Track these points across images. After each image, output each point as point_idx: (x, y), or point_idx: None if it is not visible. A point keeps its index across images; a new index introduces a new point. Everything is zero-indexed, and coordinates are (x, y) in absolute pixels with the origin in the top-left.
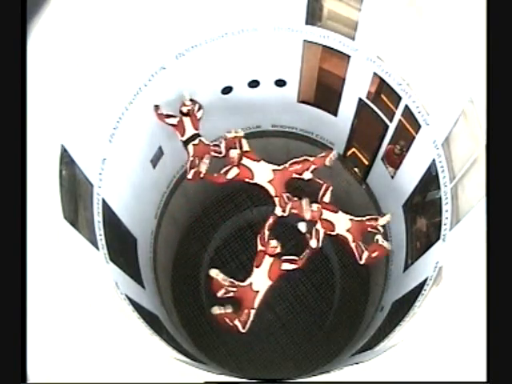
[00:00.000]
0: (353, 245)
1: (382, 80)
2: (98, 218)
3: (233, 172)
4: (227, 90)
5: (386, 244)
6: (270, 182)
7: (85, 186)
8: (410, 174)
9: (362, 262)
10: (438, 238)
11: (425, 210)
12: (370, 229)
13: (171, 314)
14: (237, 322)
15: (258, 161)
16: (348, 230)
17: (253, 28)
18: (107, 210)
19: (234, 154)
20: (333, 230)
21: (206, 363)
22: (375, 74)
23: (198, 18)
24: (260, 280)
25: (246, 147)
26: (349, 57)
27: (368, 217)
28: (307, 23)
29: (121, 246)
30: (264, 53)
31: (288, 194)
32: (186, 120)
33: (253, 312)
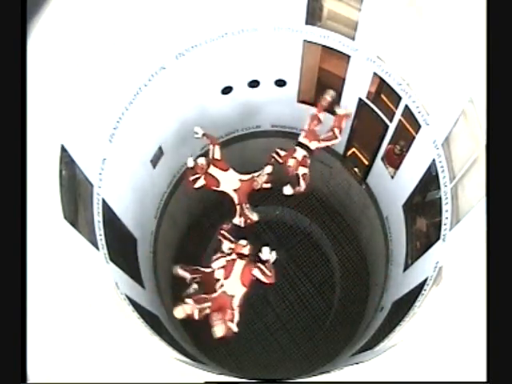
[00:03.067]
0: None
1: (382, 80)
2: (97, 218)
3: (200, 182)
4: (227, 90)
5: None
6: (235, 190)
7: (85, 185)
8: (410, 174)
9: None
10: (438, 238)
11: (425, 210)
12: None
13: (171, 314)
14: (230, 324)
15: (226, 170)
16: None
17: (253, 28)
18: (107, 210)
19: (202, 161)
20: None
21: (205, 363)
22: (375, 73)
23: (198, 18)
24: (232, 286)
25: (217, 155)
26: (349, 57)
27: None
28: (307, 23)
29: (121, 246)
30: (264, 53)
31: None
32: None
33: (236, 311)
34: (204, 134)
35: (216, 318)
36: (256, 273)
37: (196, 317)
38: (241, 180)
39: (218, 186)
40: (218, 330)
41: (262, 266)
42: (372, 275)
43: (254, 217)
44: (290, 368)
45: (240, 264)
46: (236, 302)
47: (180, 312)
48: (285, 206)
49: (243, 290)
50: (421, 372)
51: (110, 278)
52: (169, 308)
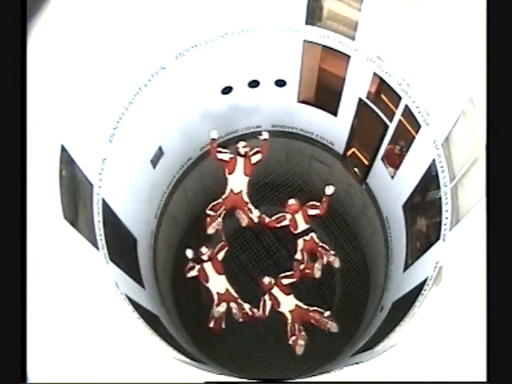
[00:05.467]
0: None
1: (381, 80)
2: (97, 217)
3: (193, 272)
4: (227, 90)
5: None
6: (218, 293)
7: (85, 186)
8: (410, 174)
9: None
10: (438, 238)
11: (425, 210)
12: (312, 321)
13: (171, 314)
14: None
15: (220, 274)
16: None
17: (253, 28)
18: (107, 209)
19: (204, 250)
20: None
21: (206, 363)
22: (375, 74)
23: (198, 18)
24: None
25: (220, 256)
26: (349, 57)
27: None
28: (307, 23)
29: (121, 246)
30: (264, 53)
31: None
32: (240, 160)
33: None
34: (217, 231)
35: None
36: (254, 158)
37: (216, 225)
38: (227, 290)
39: (207, 282)
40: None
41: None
42: (372, 275)
43: None
44: (290, 368)
45: (241, 161)
46: (245, 198)
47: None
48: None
49: (246, 180)
50: (421, 372)
51: (110, 278)
52: (169, 308)
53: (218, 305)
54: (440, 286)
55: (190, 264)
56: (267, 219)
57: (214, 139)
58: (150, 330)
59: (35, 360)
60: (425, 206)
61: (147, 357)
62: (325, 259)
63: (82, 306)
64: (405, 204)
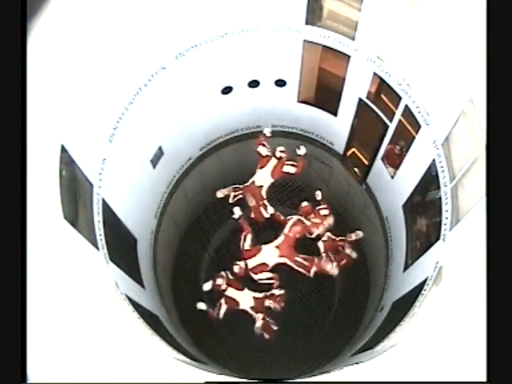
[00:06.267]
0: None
1: (381, 80)
2: (97, 217)
3: (222, 308)
4: (227, 90)
5: (353, 254)
6: (251, 307)
7: (85, 186)
8: (410, 174)
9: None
10: (438, 238)
11: (425, 210)
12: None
13: (171, 314)
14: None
15: (241, 289)
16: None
17: (253, 28)
18: (107, 209)
19: (220, 282)
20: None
21: (206, 363)
22: (375, 74)
23: (198, 18)
24: (262, 177)
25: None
26: (349, 57)
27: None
28: (307, 23)
29: (121, 246)
30: (264, 53)
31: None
32: (273, 161)
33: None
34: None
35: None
36: (286, 168)
37: (231, 200)
38: (254, 298)
39: (238, 306)
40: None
41: (292, 162)
42: (372, 275)
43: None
44: (290, 368)
45: (273, 161)
46: (264, 193)
47: (219, 193)
48: (285, 206)
49: (271, 180)
50: (421, 372)
51: (110, 278)
52: (169, 308)
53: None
54: (440, 285)
55: (215, 309)
56: (282, 217)
57: (265, 135)
58: (150, 330)
59: (35, 360)
60: (425, 206)
61: (147, 357)
62: (347, 250)
63: (82, 306)
64: (405, 204)
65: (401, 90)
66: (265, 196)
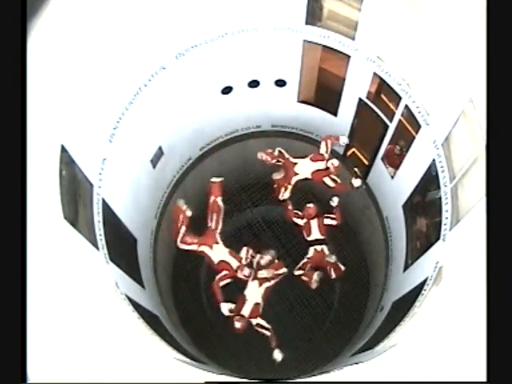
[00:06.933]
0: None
1: (382, 80)
2: (97, 217)
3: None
4: (227, 90)
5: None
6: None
7: (85, 186)
8: (410, 173)
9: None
10: (438, 238)
11: (425, 210)
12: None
13: (171, 314)
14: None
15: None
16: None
17: (253, 28)
18: (107, 209)
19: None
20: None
21: (206, 363)
22: (375, 74)
23: (198, 18)
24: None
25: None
26: (349, 57)
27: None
28: (307, 23)
29: (121, 246)
30: (264, 53)
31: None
32: (320, 164)
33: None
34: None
35: None
36: (327, 180)
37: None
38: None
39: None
40: None
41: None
42: (372, 275)
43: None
44: (290, 368)
45: (321, 164)
46: (293, 180)
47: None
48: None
49: (307, 176)
50: (421, 372)
51: (110, 278)
52: (169, 308)
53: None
54: (440, 285)
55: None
56: (290, 207)
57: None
58: (150, 330)
59: (35, 360)
60: (425, 206)
61: (147, 357)
62: (331, 274)
63: (82, 306)
64: (405, 204)
65: (401, 90)
66: (292, 183)
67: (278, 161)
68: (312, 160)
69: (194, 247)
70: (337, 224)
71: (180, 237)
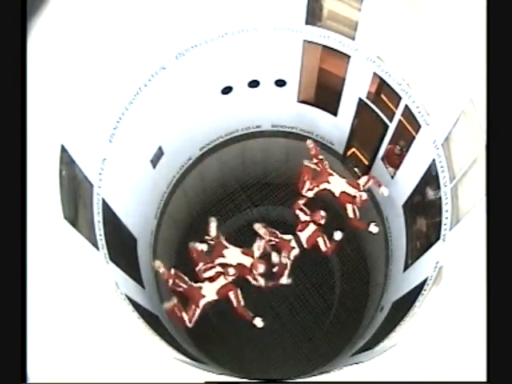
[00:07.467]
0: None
1: (382, 80)
2: (97, 217)
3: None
4: (227, 90)
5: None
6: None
7: (85, 186)
8: (410, 174)
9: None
10: (438, 238)
11: (425, 210)
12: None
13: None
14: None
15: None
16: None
17: (253, 28)
18: (107, 210)
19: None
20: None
21: (206, 363)
22: (375, 74)
23: (198, 18)
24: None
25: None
26: (349, 57)
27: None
28: (307, 23)
29: (121, 246)
30: (264, 53)
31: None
32: (311, 228)
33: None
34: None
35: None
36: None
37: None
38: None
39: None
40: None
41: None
42: (372, 275)
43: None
44: (290, 368)
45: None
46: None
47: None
48: (285, 206)
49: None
50: (421, 372)
51: (110, 278)
52: None
53: None
54: (440, 285)
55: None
56: (302, 201)
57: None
58: (150, 329)
59: (35, 360)
60: (425, 206)
61: (147, 357)
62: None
63: (82, 306)
64: (405, 204)
65: (401, 90)
66: (320, 187)
67: (317, 164)
68: (347, 182)
69: (212, 265)
70: (325, 252)
71: (201, 270)
